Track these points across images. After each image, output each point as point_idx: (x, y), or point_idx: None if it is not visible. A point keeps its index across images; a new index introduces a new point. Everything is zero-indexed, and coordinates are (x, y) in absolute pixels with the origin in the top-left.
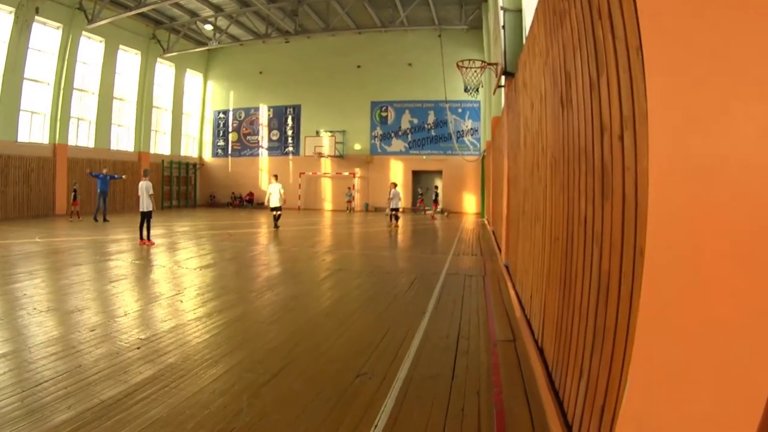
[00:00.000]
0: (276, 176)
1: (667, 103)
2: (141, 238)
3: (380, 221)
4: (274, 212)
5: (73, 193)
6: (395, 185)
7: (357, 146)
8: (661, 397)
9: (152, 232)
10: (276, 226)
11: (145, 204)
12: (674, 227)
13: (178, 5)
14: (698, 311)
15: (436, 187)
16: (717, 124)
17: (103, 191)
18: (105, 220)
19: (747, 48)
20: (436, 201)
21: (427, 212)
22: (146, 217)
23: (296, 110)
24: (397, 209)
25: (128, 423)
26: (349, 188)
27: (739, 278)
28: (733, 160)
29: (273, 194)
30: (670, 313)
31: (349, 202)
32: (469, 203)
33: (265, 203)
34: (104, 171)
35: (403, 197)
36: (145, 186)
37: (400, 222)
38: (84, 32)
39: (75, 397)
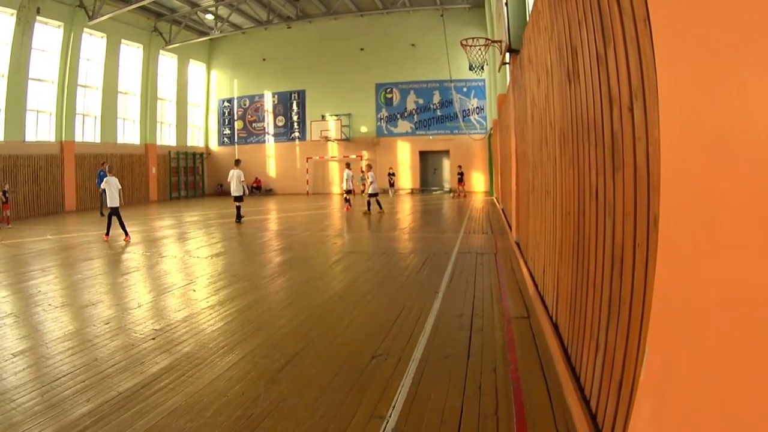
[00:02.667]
0: (237, 161)
1: (677, 72)
2: (125, 234)
3: (388, 203)
4: (237, 203)
5: (2, 195)
6: (370, 167)
7: (363, 129)
8: (681, 369)
9: (162, 223)
10: (238, 220)
11: (111, 199)
12: (688, 195)
13: None
14: (715, 279)
15: (460, 167)
16: (729, 91)
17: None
18: (102, 214)
19: (758, 13)
20: (462, 181)
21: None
22: (113, 213)
23: (301, 95)
24: (376, 194)
25: (147, 413)
26: (361, 171)
27: (756, 244)
28: (746, 126)
29: (232, 182)
30: (686, 282)
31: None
32: (478, 182)
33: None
34: (105, 166)
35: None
36: (114, 182)
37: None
38: (85, 29)
39: (93, 390)
